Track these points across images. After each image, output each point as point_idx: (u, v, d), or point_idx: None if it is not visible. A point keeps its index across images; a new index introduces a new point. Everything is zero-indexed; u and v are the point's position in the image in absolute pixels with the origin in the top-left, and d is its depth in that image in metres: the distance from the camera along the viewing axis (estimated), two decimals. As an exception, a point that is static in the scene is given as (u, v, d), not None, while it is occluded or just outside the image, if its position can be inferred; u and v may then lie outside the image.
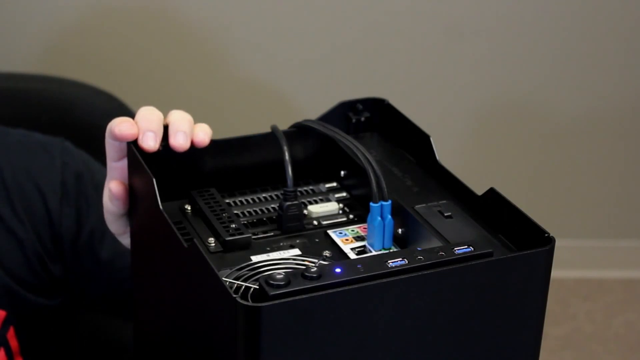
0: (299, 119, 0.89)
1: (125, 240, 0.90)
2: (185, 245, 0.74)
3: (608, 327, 2.40)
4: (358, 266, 0.70)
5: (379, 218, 0.80)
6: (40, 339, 1.16)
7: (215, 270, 0.70)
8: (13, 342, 1.10)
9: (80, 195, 1.14)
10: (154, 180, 0.78)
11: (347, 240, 0.82)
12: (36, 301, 1.13)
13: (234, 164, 0.89)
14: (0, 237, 1.10)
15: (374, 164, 0.81)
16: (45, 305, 1.14)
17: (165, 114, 0.84)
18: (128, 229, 0.89)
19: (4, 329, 1.09)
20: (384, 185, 0.80)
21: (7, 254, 1.10)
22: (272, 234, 0.84)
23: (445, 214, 0.82)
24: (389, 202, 0.80)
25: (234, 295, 0.67)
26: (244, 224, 0.83)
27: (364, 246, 0.81)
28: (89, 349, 1.32)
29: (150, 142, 0.81)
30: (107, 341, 1.38)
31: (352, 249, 0.81)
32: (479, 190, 0.82)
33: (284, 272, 0.68)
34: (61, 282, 1.15)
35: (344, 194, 0.90)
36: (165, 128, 0.83)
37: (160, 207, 0.77)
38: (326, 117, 0.92)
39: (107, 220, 0.89)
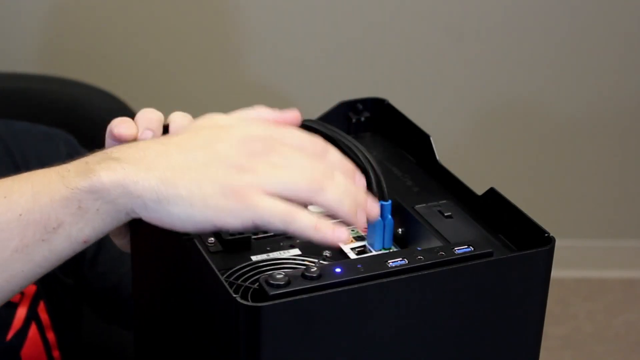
0: (299, 119, 0.89)
1: (120, 241, 0.90)
2: (185, 245, 0.74)
3: (608, 327, 2.40)
4: (358, 266, 0.70)
5: (379, 218, 0.80)
6: (69, 316, 1.17)
7: (216, 270, 0.70)
8: (44, 316, 1.11)
9: None
10: (154, 180, 0.78)
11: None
12: (62, 279, 1.14)
13: (234, 164, 0.89)
14: None
15: (374, 164, 0.81)
16: (68, 283, 1.16)
17: (165, 116, 0.84)
18: (124, 230, 0.89)
19: (34, 303, 1.10)
20: (384, 185, 0.80)
21: None
22: (272, 233, 0.84)
23: (445, 214, 0.82)
24: (389, 202, 0.80)
25: (234, 295, 0.67)
26: (244, 224, 0.83)
27: (364, 246, 0.81)
28: (90, 355, 1.33)
29: None
30: (108, 345, 1.38)
31: (352, 249, 0.81)
32: (479, 190, 0.82)
33: (284, 272, 0.69)
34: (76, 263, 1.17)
35: (344, 194, 0.89)
36: (166, 128, 0.83)
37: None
38: (326, 117, 0.92)
39: None
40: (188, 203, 0.71)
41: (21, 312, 1.09)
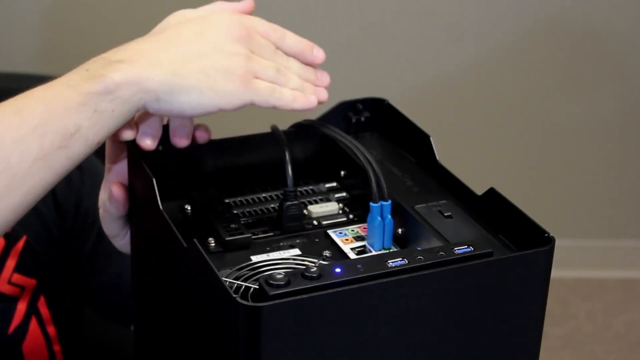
0: (299, 119, 0.89)
1: (119, 242, 0.90)
2: (185, 245, 0.74)
3: (608, 327, 2.40)
4: (358, 266, 0.70)
5: (379, 218, 0.80)
6: (69, 311, 1.17)
7: (215, 270, 0.70)
8: (44, 311, 1.12)
9: (84, 185, 1.16)
10: (154, 180, 0.78)
11: (347, 240, 0.82)
12: (60, 273, 1.15)
13: (234, 164, 0.89)
14: None
15: (374, 164, 0.81)
16: (67, 278, 1.16)
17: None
18: (123, 232, 0.89)
19: (34, 298, 1.11)
20: (384, 185, 0.80)
21: (32, 226, 1.12)
22: (272, 234, 0.84)
23: (445, 214, 0.82)
24: (389, 202, 0.80)
25: (234, 295, 0.67)
26: (244, 224, 0.84)
27: (364, 246, 0.81)
28: (96, 352, 1.33)
29: (148, 141, 0.82)
30: (108, 343, 1.38)
31: (352, 249, 0.81)
32: (479, 190, 0.82)
33: (284, 272, 0.69)
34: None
35: (344, 194, 0.90)
36: (165, 127, 0.83)
37: (161, 207, 0.77)
38: (326, 117, 0.92)
39: (104, 219, 0.89)
40: (198, 91, 0.78)
41: (21, 307, 1.10)
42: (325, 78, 0.88)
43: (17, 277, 1.10)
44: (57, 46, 2.29)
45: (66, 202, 1.16)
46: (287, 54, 0.85)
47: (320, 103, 0.85)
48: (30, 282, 1.11)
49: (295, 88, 0.83)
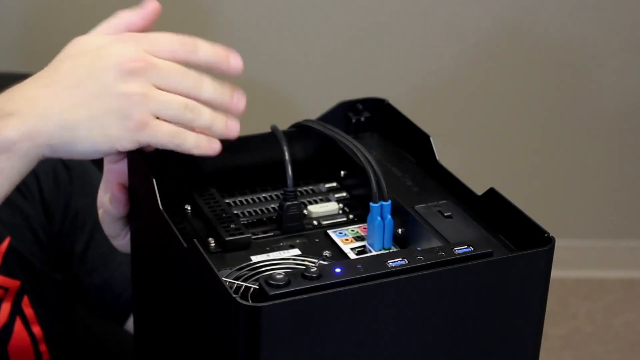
0: (299, 119, 0.89)
1: (119, 242, 0.90)
2: (185, 245, 0.74)
3: (608, 327, 2.40)
4: (358, 266, 0.70)
5: (379, 218, 0.80)
6: (56, 310, 1.17)
7: (215, 270, 0.70)
8: (28, 311, 1.12)
9: (73, 185, 1.16)
10: (154, 180, 0.78)
11: (347, 240, 0.82)
12: (47, 273, 1.15)
13: (234, 164, 0.89)
14: (8, 213, 1.13)
15: (373, 164, 0.81)
16: (56, 278, 1.16)
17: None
18: (123, 232, 0.89)
19: (18, 298, 1.11)
20: (384, 185, 0.80)
21: (16, 228, 1.12)
22: (272, 234, 0.84)
23: (445, 214, 0.82)
24: (389, 202, 0.80)
25: (234, 295, 0.67)
26: (244, 224, 0.84)
27: (364, 246, 0.81)
28: (87, 352, 1.33)
29: None
30: (105, 344, 1.38)
31: (352, 249, 0.81)
32: (479, 190, 0.82)
33: (284, 272, 0.69)
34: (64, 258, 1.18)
35: (344, 194, 0.90)
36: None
37: (161, 207, 0.77)
38: (326, 117, 0.92)
39: (104, 220, 0.89)
40: (91, 140, 0.77)
41: (5, 307, 1.10)
42: (240, 102, 0.82)
43: (1, 279, 1.10)
44: (57, 46, 2.28)
45: (54, 203, 1.15)
46: (201, 67, 0.79)
47: (228, 141, 0.80)
48: (14, 283, 1.10)
49: (205, 125, 0.79)
